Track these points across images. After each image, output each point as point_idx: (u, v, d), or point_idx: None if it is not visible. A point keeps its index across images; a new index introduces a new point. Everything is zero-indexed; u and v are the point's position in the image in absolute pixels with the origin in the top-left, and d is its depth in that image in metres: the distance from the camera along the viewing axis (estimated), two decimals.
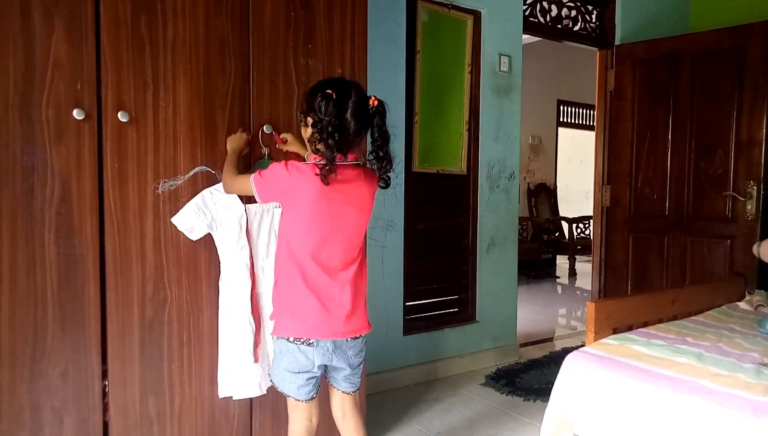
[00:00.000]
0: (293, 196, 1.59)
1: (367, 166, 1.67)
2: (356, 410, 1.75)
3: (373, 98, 1.61)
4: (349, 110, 1.56)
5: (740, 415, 1.40)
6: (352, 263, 1.65)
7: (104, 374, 1.72)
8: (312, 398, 1.69)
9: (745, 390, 1.50)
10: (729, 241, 3.47)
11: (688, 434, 1.47)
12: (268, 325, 1.82)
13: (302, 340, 1.61)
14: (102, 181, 1.68)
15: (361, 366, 1.74)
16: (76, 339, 1.66)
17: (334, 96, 1.55)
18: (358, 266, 1.66)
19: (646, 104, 3.79)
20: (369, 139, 1.65)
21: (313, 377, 1.67)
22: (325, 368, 1.70)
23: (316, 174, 1.53)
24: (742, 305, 2.46)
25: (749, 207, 3.37)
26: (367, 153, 1.64)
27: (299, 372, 1.63)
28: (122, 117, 1.68)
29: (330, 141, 1.52)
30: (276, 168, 1.61)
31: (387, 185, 1.67)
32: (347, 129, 1.56)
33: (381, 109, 1.61)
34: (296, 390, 1.66)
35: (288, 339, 1.62)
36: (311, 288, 1.59)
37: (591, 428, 1.72)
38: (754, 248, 2.16)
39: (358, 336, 1.67)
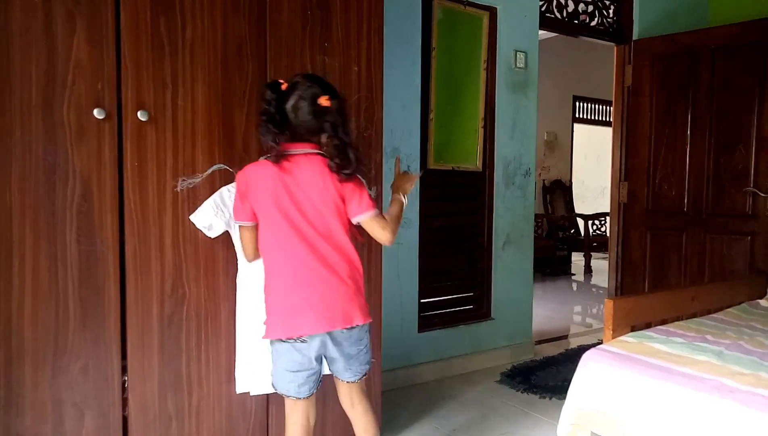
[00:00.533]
0: (254, 191, 1.63)
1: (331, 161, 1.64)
2: (363, 396, 1.76)
3: (324, 98, 1.60)
4: (290, 101, 1.61)
5: (764, 414, 1.38)
6: (328, 252, 1.63)
7: (124, 370, 1.74)
8: (311, 395, 1.70)
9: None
10: (749, 238, 3.42)
11: (709, 433, 1.46)
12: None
13: (294, 338, 1.62)
14: (122, 180, 1.70)
15: (361, 355, 1.71)
16: (96, 335, 1.69)
17: (283, 86, 1.62)
18: (339, 255, 1.64)
19: (664, 99, 3.74)
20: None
21: (314, 373, 1.68)
22: (324, 360, 1.71)
23: (266, 158, 1.62)
24: (763, 302, 2.43)
25: None
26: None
27: (298, 371, 1.65)
28: (142, 116, 1.70)
29: (269, 125, 1.59)
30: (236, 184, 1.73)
31: (347, 178, 1.63)
32: (286, 117, 1.61)
33: (332, 109, 1.61)
34: (297, 389, 1.66)
35: (281, 339, 1.63)
36: (288, 284, 1.62)
37: (609, 426, 1.71)
38: None
39: (353, 327, 1.66)
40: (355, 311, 1.66)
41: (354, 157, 1.62)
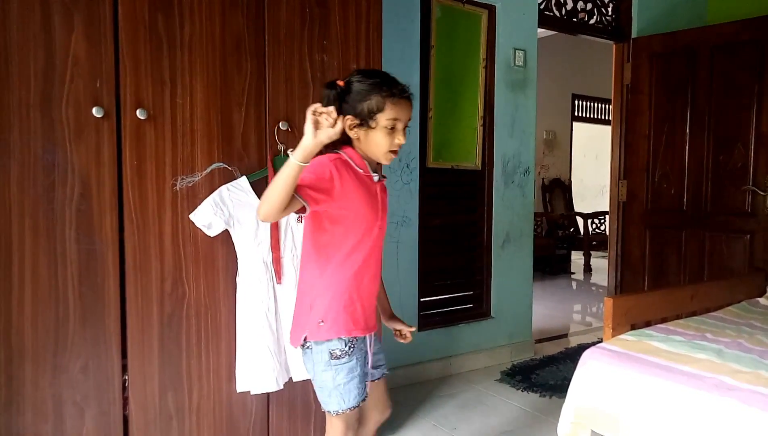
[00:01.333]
0: None
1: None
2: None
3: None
4: None
5: (763, 412, 1.38)
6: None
7: (124, 369, 1.74)
8: None
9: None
10: (748, 236, 3.42)
11: (709, 431, 1.46)
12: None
13: None
14: (121, 179, 1.70)
15: (316, 384, 1.53)
16: (96, 334, 1.69)
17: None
18: (301, 269, 1.56)
19: (663, 98, 3.74)
20: None
21: None
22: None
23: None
24: (762, 300, 2.43)
25: None
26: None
27: None
28: (140, 115, 1.70)
29: None
30: None
31: None
32: None
33: None
34: None
35: None
36: None
37: (609, 425, 1.71)
38: None
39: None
40: (293, 331, 1.57)
41: None
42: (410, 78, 2.98)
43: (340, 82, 1.46)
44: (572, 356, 3.38)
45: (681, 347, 1.79)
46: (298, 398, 2.03)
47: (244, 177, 1.85)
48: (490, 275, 3.42)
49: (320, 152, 1.37)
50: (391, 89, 1.45)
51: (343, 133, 1.44)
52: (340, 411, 1.49)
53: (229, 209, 1.81)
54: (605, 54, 4.58)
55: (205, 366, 1.86)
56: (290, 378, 1.92)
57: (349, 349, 1.48)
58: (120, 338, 1.72)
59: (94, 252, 1.67)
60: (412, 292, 3.06)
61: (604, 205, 5.19)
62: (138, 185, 1.72)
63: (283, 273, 1.87)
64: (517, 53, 3.39)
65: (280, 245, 1.87)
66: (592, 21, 3.84)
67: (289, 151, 1.32)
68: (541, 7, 3.54)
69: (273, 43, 1.93)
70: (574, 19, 3.77)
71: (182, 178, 1.78)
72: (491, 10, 3.30)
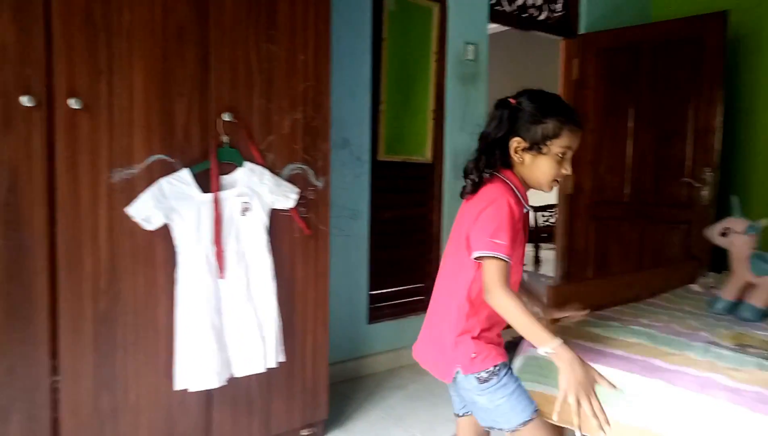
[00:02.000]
0: None
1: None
2: None
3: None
4: None
5: (687, 392, 1.45)
6: (437, 294, 1.55)
7: (55, 370, 1.67)
8: (461, 415, 1.63)
9: (693, 367, 1.56)
10: (685, 226, 3.58)
11: (636, 409, 1.52)
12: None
13: None
14: (53, 171, 1.63)
15: (476, 407, 1.46)
16: (24, 335, 1.61)
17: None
18: (440, 300, 1.51)
19: (608, 93, 3.86)
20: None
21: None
22: None
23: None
24: (694, 287, 2.55)
25: (704, 193, 3.48)
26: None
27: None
28: (74, 104, 1.63)
29: None
30: None
31: (465, 196, 1.46)
32: None
33: None
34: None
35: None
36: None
37: (542, 404, 1.76)
38: (708, 232, 2.23)
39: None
40: (430, 358, 1.51)
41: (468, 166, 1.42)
42: (361, 70, 2.97)
43: (513, 101, 1.39)
44: (518, 343, 3.45)
45: (616, 332, 1.86)
46: (242, 393, 2.00)
47: (185, 169, 1.81)
48: None
49: (480, 171, 1.40)
50: (570, 116, 1.38)
51: (505, 155, 1.41)
52: (521, 423, 1.41)
53: (170, 202, 1.77)
54: (555, 50, 4.67)
55: (143, 364, 1.81)
56: (232, 374, 1.89)
57: (497, 370, 1.44)
58: (50, 338, 1.65)
59: (22, 248, 1.60)
60: (362, 285, 3.06)
61: (553, 198, 5.31)
62: (71, 178, 1.65)
63: (226, 267, 1.84)
64: (468, 47, 3.43)
65: (222, 239, 1.84)
66: (541, 17, 3.91)
67: (550, 345, 1.37)
68: (492, 1, 3.59)
69: (217, 32, 1.89)
70: (524, 15, 3.83)
71: (119, 171, 1.73)
72: (443, 3, 3.31)
